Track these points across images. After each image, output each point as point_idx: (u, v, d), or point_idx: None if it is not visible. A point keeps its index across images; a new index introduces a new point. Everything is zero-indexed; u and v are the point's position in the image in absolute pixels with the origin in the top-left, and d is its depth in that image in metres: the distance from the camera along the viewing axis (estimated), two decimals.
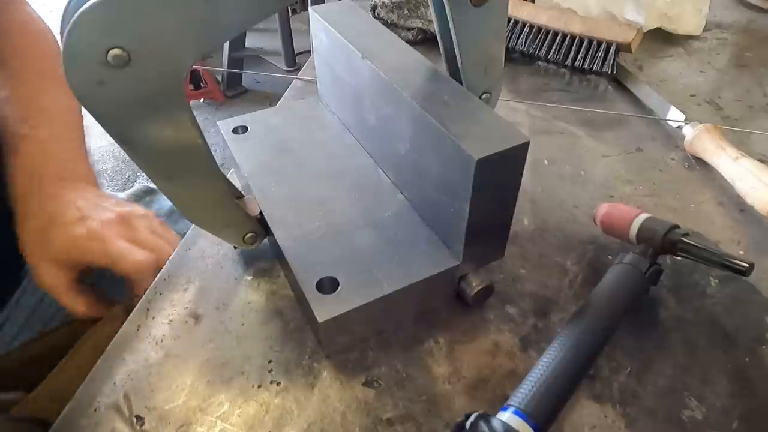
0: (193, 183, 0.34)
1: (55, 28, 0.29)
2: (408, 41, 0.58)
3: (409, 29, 0.74)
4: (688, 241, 0.37)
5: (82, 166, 0.55)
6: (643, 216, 0.40)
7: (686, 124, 0.54)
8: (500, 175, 0.32)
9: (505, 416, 0.29)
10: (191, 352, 0.36)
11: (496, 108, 0.41)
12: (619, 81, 0.66)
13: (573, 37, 0.67)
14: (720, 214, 0.47)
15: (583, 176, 0.51)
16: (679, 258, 0.39)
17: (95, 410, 0.33)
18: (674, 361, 0.35)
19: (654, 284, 0.38)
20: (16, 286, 0.57)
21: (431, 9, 0.38)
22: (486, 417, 0.28)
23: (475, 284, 0.37)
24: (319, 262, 0.37)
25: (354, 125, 0.47)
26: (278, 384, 0.34)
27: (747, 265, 0.35)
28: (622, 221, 0.40)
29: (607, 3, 0.71)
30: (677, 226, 0.38)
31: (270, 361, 0.36)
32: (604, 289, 0.36)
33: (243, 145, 0.47)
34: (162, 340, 0.37)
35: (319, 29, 0.46)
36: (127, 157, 0.31)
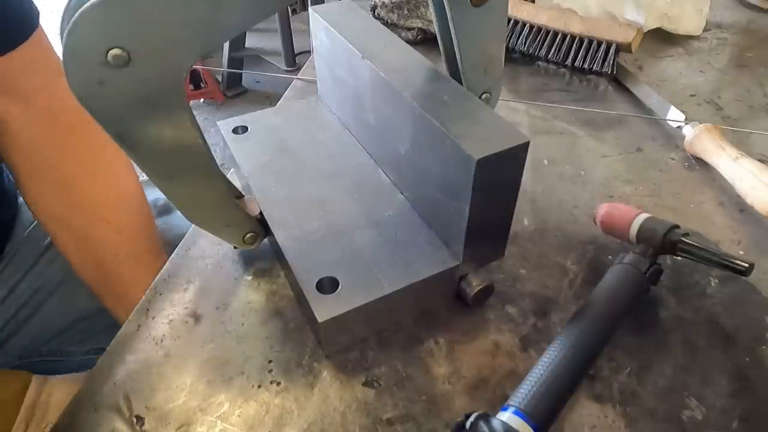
0: (193, 183, 0.34)
1: (55, 28, 0.29)
2: (408, 41, 0.58)
3: (409, 29, 0.74)
4: (688, 241, 0.37)
5: None
6: (643, 216, 0.40)
7: (686, 124, 0.54)
8: (500, 175, 0.32)
9: (505, 416, 0.29)
10: (191, 352, 0.36)
11: (496, 108, 0.41)
12: (619, 81, 0.66)
13: (573, 37, 0.67)
14: (720, 214, 0.47)
15: (583, 176, 0.51)
16: (679, 258, 0.39)
17: (95, 410, 0.33)
18: (674, 361, 0.35)
19: (654, 284, 0.38)
20: None
21: (431, 9, 0.38)
22: (486, 417, 0.28)
23: (475, 284, 0.37)
24: (319, 262, 0.37)
25: (354, 125, 0.47)
26: (278, 384, 0.34)
27: (747, 265, 0.35)
28: (622, 221, 0.40)
29: (607, 3, 0.71)
30: (677, 226, 0.38)
31: (270, 361, 0.36)
32: (604, 289, 0.36)
33: (243, 145, 0.47)
34: (162, 340, 0.37)
35: (319, 29, 0.46)
36: None
